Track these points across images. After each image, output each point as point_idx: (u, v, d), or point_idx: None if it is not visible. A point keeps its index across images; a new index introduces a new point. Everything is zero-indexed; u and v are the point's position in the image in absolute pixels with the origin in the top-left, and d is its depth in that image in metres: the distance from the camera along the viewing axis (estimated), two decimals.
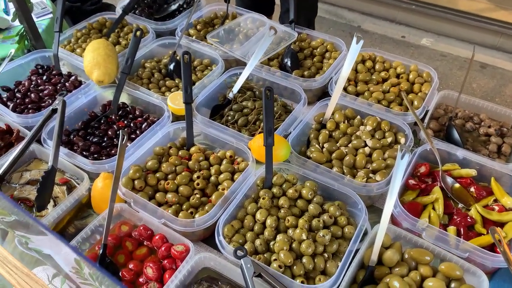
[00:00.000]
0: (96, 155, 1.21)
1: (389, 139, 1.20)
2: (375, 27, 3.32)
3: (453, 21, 3.09)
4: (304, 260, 0.94)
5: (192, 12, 1.57)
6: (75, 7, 2.31)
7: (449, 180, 1.11)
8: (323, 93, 1.46)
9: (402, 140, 1.20)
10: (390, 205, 0.92)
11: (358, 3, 3.43)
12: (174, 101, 1.29)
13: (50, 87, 1.38)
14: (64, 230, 1.11)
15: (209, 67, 1.49)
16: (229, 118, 1.30)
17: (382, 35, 3.25)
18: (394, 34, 3.25)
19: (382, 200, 1.18)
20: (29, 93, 1.36)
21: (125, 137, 0.99)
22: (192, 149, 1.19)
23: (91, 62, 1.34)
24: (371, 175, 1.12)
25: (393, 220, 1.08)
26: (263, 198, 1.03)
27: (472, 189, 1.10)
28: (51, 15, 1.89)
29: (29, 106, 1.32)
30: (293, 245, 0.96)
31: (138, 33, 1.35)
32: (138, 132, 1.26)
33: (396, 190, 0.92)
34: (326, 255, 0.96)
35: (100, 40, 1.41)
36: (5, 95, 1.37)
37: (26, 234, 0.96)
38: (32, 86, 1.39)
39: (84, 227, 1.01)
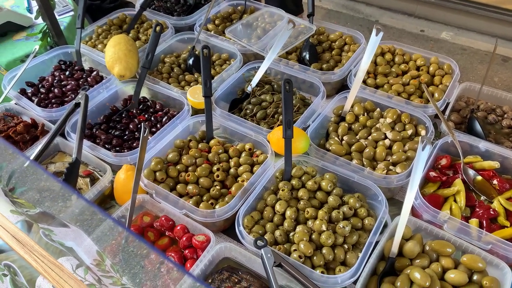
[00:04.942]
0: (118, 148, 1.23)
1: (410, 131, 1.19)
2: (393, 22, 3.28)
3: (473, 14, 3.03)
4: (324, 251, 0.94)
5: (210, 7, 1.58)
6: (95, 5, 2.35)
7: (471, 172, 1.10)
8: (342, 86, 1.46)
9: (423, 133, 1.19)
10: (411, 196, 0.92)
11: None
12: (194, 95, 1.31)
13: (72, 82, 1.41)
14: None
15: (227, 62, 1.50)
16: (248, 111, 1.31)
17: (401, 29, 3.20)
18: (413, 28, 3.20)
19: (402, 193, 1.17)
20: (52, 88, 1.40)
21: (147, 129, 1.01)
22: (212, 142, 1.20)
23: (112, 57, 1.36)
24: (391, 167, 1.11)
25: (414, 212, 1.07)
26: (282, 190, 1.04)
27: (495, 181, 1.08)
28: (72, 13, 1.93)
29: (53, 100, 1.36)
30: (313, 236, 0.96)
31: (158, 28, 1.37)
32: (158, 125, 1.28)
33: (417, 182, 0.92)
34: (346, 246, 0.96)
35: (121, 35, 1.43)
36: (30, 90, 1.41)
37: (49, 227, 0.98)
38: (55, 81, 1.43)
39: None
